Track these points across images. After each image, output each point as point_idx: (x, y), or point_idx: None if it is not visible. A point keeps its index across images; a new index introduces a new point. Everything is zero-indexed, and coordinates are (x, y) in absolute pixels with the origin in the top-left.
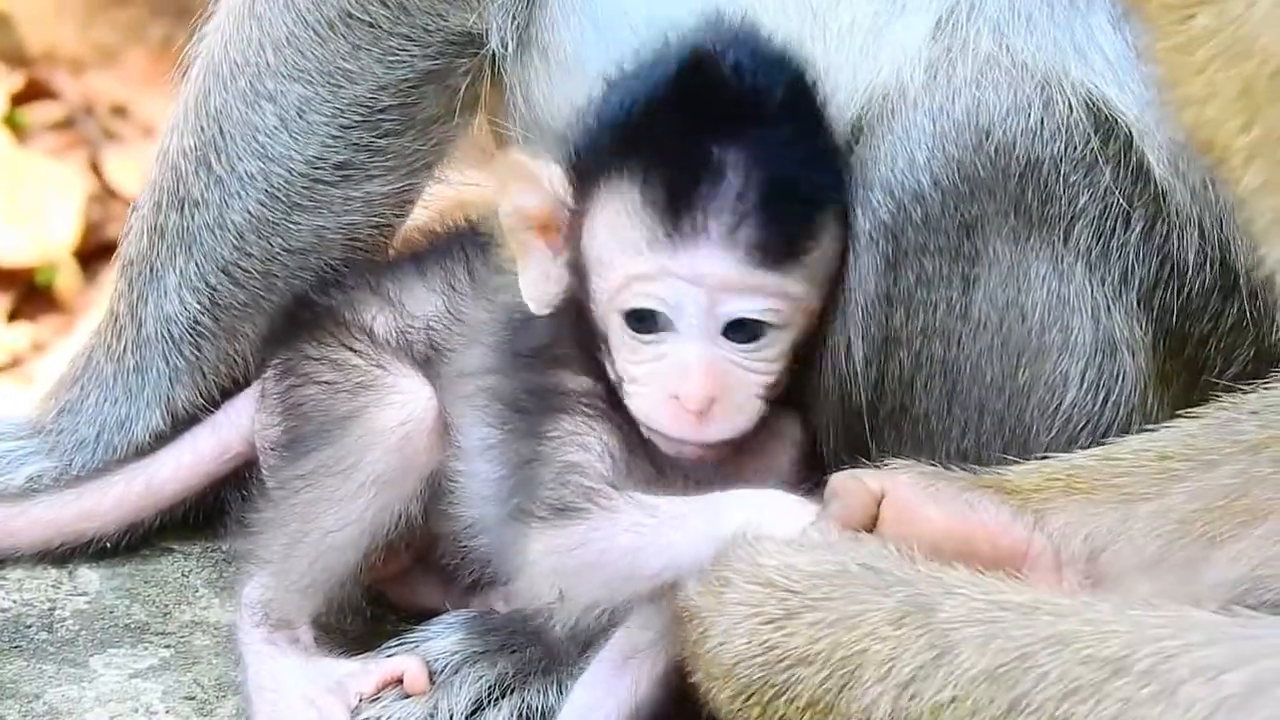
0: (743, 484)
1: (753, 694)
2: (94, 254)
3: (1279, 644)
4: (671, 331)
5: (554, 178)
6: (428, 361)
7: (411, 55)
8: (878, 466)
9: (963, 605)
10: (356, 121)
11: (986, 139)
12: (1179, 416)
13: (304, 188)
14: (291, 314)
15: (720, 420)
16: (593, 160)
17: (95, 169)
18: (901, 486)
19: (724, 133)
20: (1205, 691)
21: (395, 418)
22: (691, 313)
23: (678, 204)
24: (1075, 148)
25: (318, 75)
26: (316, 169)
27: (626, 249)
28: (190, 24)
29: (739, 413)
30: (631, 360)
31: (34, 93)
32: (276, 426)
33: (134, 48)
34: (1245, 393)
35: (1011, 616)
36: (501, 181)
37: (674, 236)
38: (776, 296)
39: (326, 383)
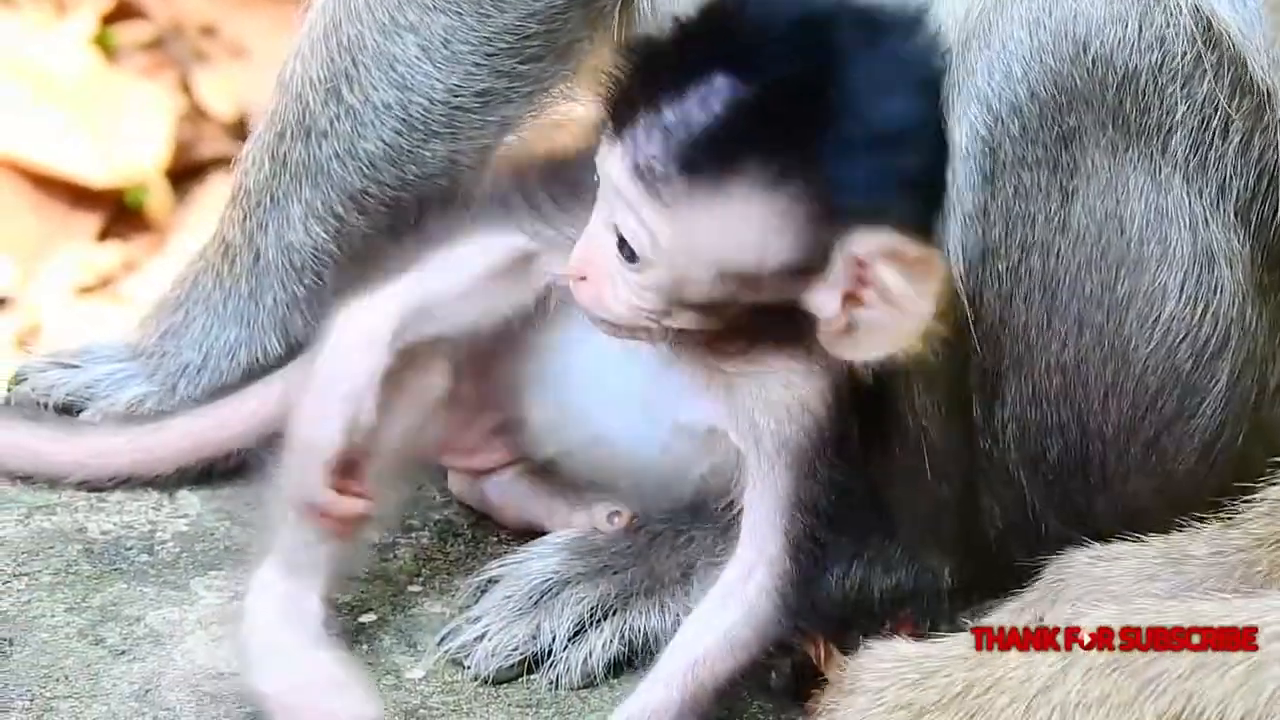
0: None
1: None
2: (184, 174)
3: None
4: None
5: None
6: None
7: None
8: None
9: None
10: (502, 49)
11: (1084, 51)
12: None
13: (442, 115)
14: None
15: (587, 292)
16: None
17: (185, 89)
18: None
19: (701, 63)
20: None
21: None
22: (602, 196)
23: (626, 101)
24: (1173, 57)
25: (466, 5)
26: (457, 97)
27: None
28: None
29: (602, 302)
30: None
31: (123, 13)
32: None
33: None
34: None
35: (1139, 610)
36: None
37: (609, 128)
38: (639, 222)
39: None
